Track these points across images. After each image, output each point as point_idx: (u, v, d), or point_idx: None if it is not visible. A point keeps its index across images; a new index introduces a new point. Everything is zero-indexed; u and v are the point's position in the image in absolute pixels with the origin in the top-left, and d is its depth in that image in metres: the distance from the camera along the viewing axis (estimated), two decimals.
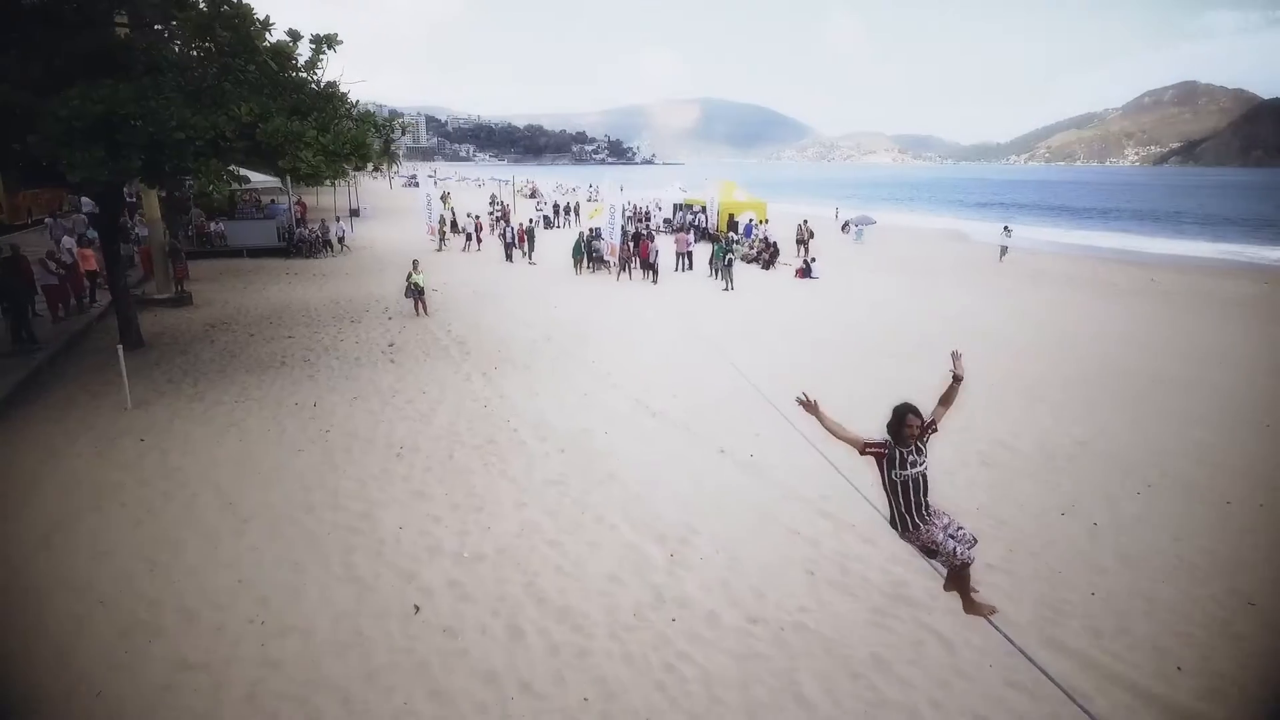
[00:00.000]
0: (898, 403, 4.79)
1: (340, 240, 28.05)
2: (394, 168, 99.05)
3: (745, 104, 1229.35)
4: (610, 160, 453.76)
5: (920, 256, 32.65)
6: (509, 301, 19.74)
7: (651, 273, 23.04)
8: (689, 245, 25.80)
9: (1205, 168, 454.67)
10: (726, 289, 22.14)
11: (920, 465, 4.67)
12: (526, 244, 26.44)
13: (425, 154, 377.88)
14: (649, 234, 25.71)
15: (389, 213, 49.24)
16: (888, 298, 21.74)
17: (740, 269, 24.43)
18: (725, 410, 11.13)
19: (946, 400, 4.88)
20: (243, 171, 18.53)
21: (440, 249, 29.72)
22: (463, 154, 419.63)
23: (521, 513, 7.94)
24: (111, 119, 9.51)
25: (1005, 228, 30.69)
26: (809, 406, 4.76)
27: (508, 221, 39.19)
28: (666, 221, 38.94)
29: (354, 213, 45.88)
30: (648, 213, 38.49)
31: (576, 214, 42.32)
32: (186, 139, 9.89)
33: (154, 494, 8.07)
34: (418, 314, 17.72)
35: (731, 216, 34.59)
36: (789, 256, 28.66)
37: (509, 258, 26.37)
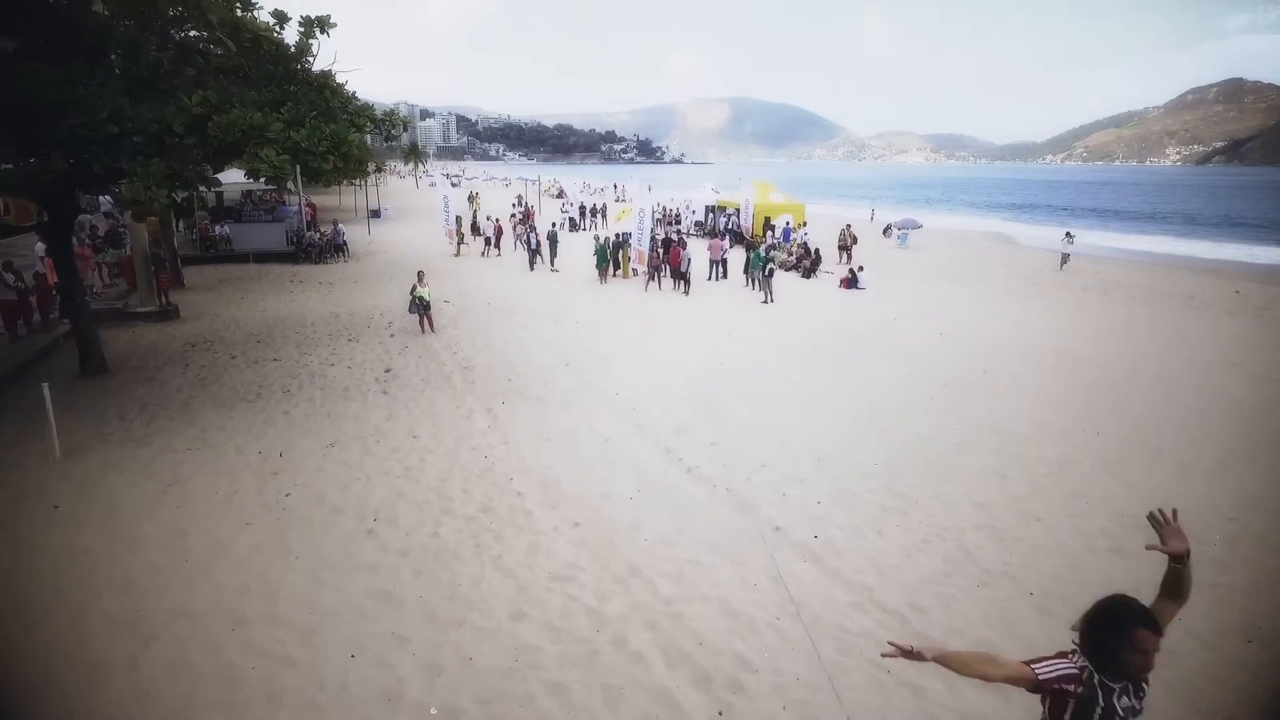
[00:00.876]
0: (1107, 597, 2.77)
1: (342, 247, 26.45)
2: (421, 167, 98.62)
3: (775, 103, 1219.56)
4: (639, 160, 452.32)
5: (971, 263, 30.08)
6: (525, 316, 17.84)
7: (683, 283, 21.00)
8: (724, 252, 23.68)
9: (1252, 167, 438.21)
10: (766, 301, 20.00)
11: (1139, 714, 2.64)
12: (548, 250, 24.53)
13: (455, 153, 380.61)
14: (680, 239, 23.66)
15: (411, 214, 47.90)
16: (946, 312, 19.39)
17: (780, 277, 22.26)
18: (775, 466, 9.05)
19: (1174, 591, 2.85)
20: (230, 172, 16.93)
21: (458, 253, 28.01)
22: (493, 153, 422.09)
23: (517, 630, 5.95)
24: (28, 109, 7.76)
25: (1067, 233, 28.02)
26: (911, 654, 2.74)
27: (531, 225, 37.56)
28: (698, 224, 36.85)
29: (374, 213, 44.62)
30: (678, 215, 36.45)
31: (604, 216, 40.44)
32: (121, 134, 8.10)
33: (44, 592, 6.25)
34: (423, 331, 15.93)
35: (768, 220, 32.36)
36: (830, 263, 26.40)
37: (531, 266, 24.52)
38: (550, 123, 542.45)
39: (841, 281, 22.92)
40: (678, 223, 35.88)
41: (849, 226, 29.61)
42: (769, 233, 30.93)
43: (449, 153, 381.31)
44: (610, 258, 22.57)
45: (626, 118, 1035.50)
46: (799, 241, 29.62)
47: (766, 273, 19.87)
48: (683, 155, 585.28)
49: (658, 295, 21.06)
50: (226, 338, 15.14)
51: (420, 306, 15.75)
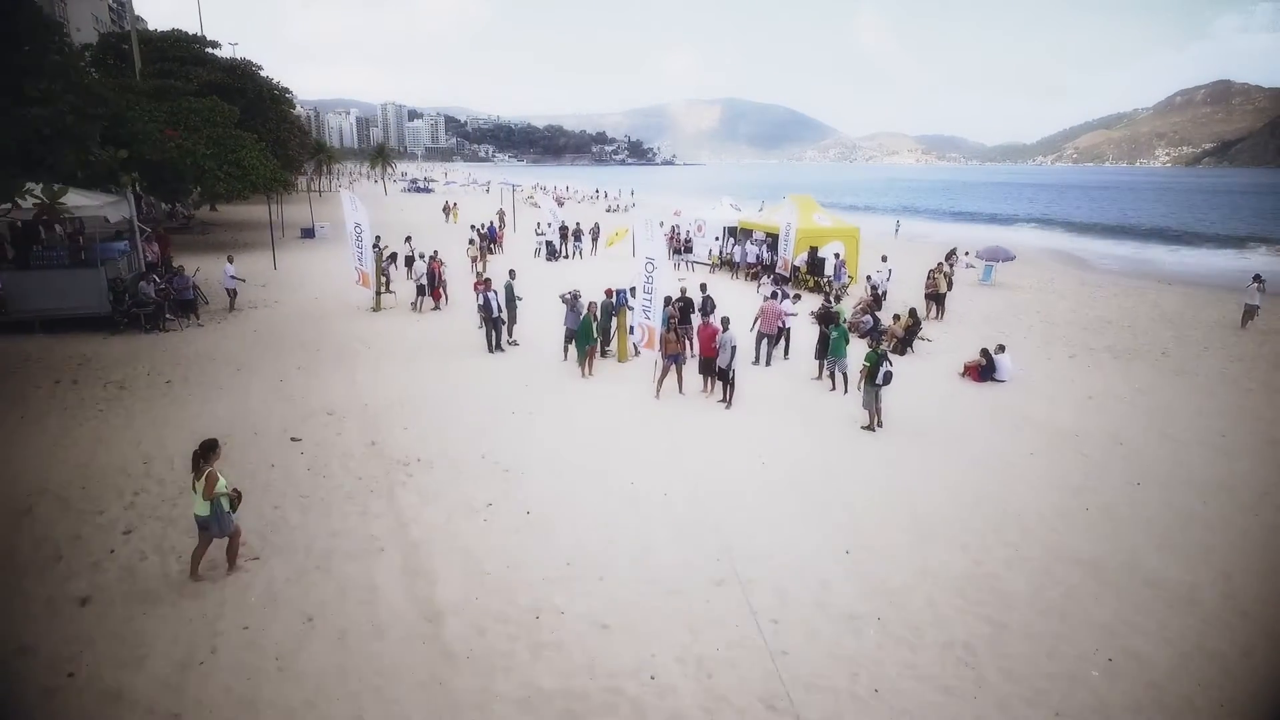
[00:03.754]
0: None
1: (190, 303, 17.74)
2: (391, 170, 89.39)
3: (767, 104, 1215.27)
4: (630, 161, 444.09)
5: (1102, 312, 21.77)
6: (419, 500, 9.23)
7: (722, 386, 12.51)
8: (782, 320, 15.12)
9: (1241, 169, 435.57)
10: (871, 426, 11.54)
11: None
12: (504, 312, 15.87)
13: (444, 154, 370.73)
14: (709, 306, 15.17)
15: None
16: (1186, 432, 11.06)
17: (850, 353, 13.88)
18: None
19: None
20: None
21: (377, 307, 19.38)
22: (482, 154, 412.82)
23: None
24: None
25: (1256, 277, 19.75)
26: None
27: (489, 250, 28.84)
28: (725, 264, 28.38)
29: (307, 233, 35.94)
30: (688, 239, 28.00)
31: (594, 239, 31.84)
32: None
33: None
34: (196, 575, 7.22)
35: (814, 250, 23.98)
36: (912, 319, 18.03)
37: (490, 343, 15.69)
38: (540, 124, 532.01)
39: (968, 369, 14.53)
40: (688, 249, 27.48)
41: (946, 261, 21.27)
42: (832, 277, 22.60)
43: (438, 154, 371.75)
44: (598, 333, 14.09)
45: (618, 119, 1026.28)
46: (868, 286, 21.31)
47: (881, 379, 11.18)
48: (674, 156, 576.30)
49: (677, 405, 12.63)
50: None
51: (217, 520, 7.01)
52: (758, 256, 24.94)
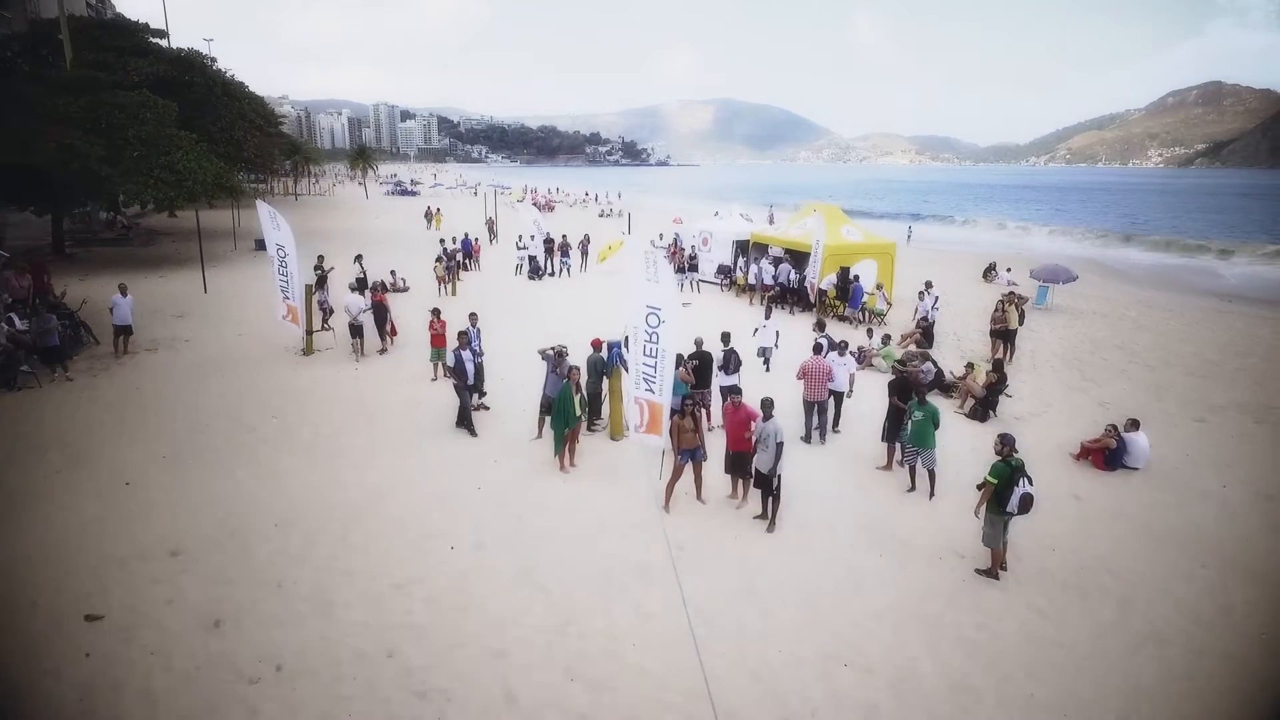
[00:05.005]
0: None
1: (119, 336, 13.87)
2: (372, 171, 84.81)
3: (762, 105, 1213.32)
4: (624, 162, 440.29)
5: (1198, 348, 18.00)
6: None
7: (762, 497, 8.61)
8: (838, 382, 11.17)
9: (1233, 169, 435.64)
10: (994, 572, 7.65)
11: None
12: (472, 372, 11.73)
13: (437, 155, 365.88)
14: (732, 362, 11.30)
15: (331, 240, 35.17)
16: None
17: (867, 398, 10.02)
18: None
19: None
20: None
21: (309, 350, 15.42)
22: (475, 155, 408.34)
23: None
24: None
25: None
26: None
27: (464, 267, 24.81)
28: (724, 271, 24.56)
29: (262, 244, 31.87)
30: (694, 256, 24.12)
31: (583, 255, 27.93)
32: None
33: None
34: None
35: (845, 271, 20.19)
36: (956, 359, 14.16)
37: (462, 421, 11.34)
38: (534, 124, 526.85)
39: (1089, 452, 10.67)
40: (693, 267, 23.63)
41: (1012, 293, 17.45)
42: (851, 303, 18.89)
43: (430, 155, 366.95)
44: (582, 409, 10.13)
45: (612, 119, 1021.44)
46: (918, 316, 17.57)
47: (1016, 504, 7.22)
48: (669, 157, 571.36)
49: (693, 521, 8.79)
50: None
51: None
52: (789, 277, 20.98)
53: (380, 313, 15.34)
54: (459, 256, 25.55)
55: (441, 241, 24.50)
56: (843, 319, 19.70)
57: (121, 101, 25.20)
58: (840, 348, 11.86)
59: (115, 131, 24.35)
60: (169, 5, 42.73)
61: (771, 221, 32.09)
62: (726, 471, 9.07)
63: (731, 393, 11.18)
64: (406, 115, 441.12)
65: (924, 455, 9.28)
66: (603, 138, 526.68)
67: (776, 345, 14.73)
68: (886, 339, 15.37)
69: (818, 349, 11.12)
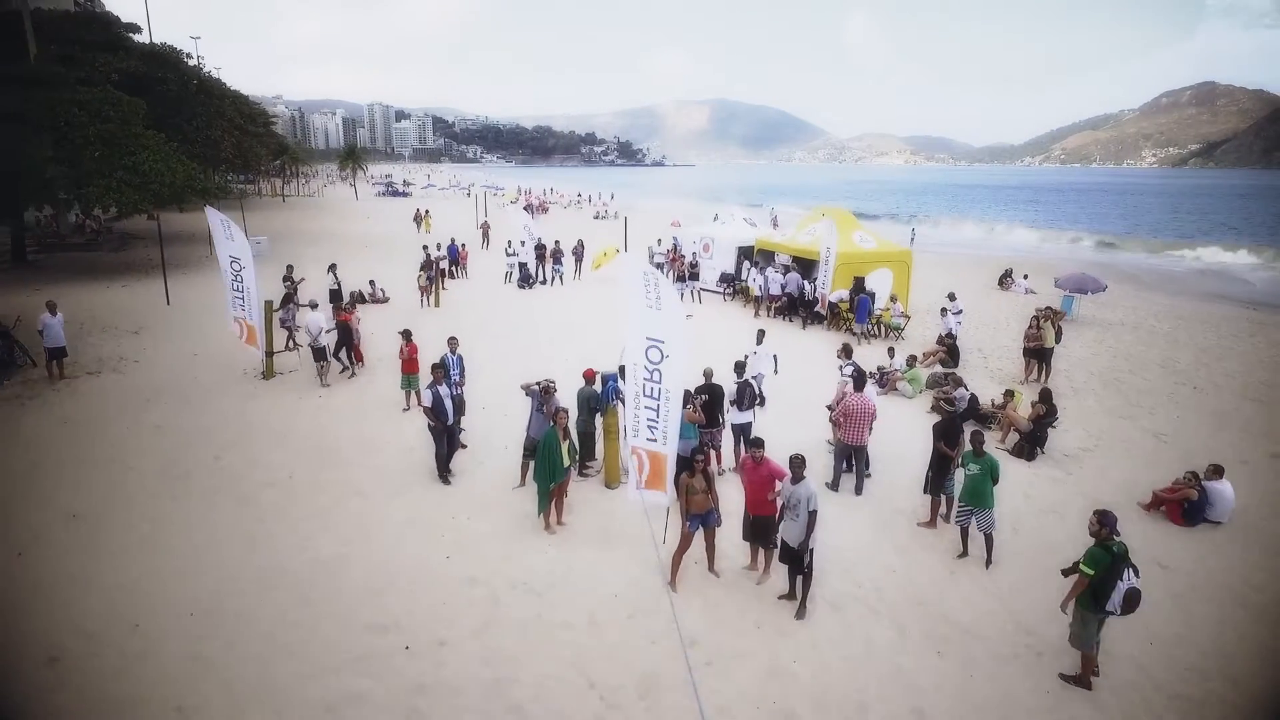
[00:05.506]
0: None
1: (52, 359, 12.23)
2: (363, 172, 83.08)
3: (757, 105, 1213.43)
4: (620, 162, 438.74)
5: (1258, 373, 16.53)
6: None
7: (790, 575, 7.07)
8: (865, 410, 9.52)
9: (1227, 169, 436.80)
10: (1085, 679, 6.10)
11: None
12: (450, 408, 10.01)
13: (432, 155, 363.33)
14: (747, 397, 9.74)
15: (318, 242, 33.60)
16: None
17: (914, 449, 8.47)
18: None
19: None
20: None
21: (269, 373, 13.80)
22: (470, 155, 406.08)
23: None
24: None
25: None
26: None
27: (451, 274, 23.11)
28: (726, 280, 23.03)
29: None
30: (695, 263, 22.59)
31: (577, 261, 26.35)
32: None
33: None
34: None
35: (860, 282, 18.68)
36: (992, 384, 12.65)
37: (440, 471, 9.61)
38: (529, 124, 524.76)
39: (1161, 502, 9.17)
40: (694, 275, 22.10)
41: (1049, 308, 15.93)
42: (857, 316, 17.42)
43: (425, 155, 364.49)
44: (571, 456, 8.53)
45: (608, 119, 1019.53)
46: (946, 331, 16.11)
47: (1118, 603, 5.67)
48: (664, 158, 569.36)
49: (705, 601, 7.26)
50: None
51: None
52: (798, 287, 19.49)
53: (345, 334, 13.69)
54: (444, 264, 23.97)
55: (425, 249, 22.87)
56: (852, 332, 18.20)
57: (82, 98, 23.57)
58: (877, 378, 10.36)
59: (75, 130, 22.73)
60: (167, 6, 41.04)
61: (775, 225, 30.61)
62: (745, 538, 7.54)
63: (744, 433, 9.72)
64: (401, 115, 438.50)
65: (980, 516, 7.77)
66: (598, 138, 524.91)
67: (776, 371, 13.20)
68: (913, 360, 13.87)
69: (859, 382, 9.52)
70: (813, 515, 6.62)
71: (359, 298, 20.66)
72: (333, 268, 18.50)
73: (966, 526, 7.95)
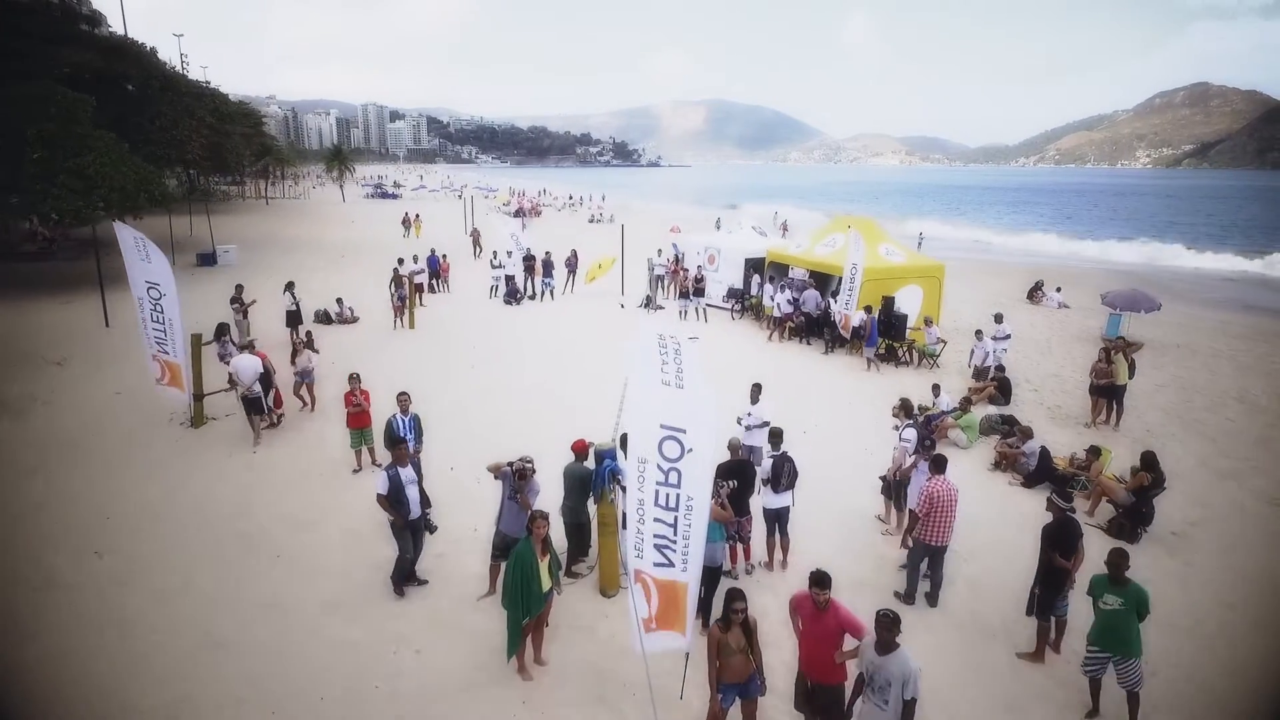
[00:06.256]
0: None
1: None
2: (349, 174, 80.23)
3: (753, 105, 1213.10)
4: (615, 163, 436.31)
5: None
6: None
7: None
8: (952, 499, 7.07)
9: (1220, 170, 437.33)
10: None
11: None
12: (416, 500, 7.58)
13: (426, 156, 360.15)
14: (785, 475, 7.53)
15: (297, 249, 31.31)
16: None
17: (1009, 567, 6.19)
18: None
19: None
20: None
21: (197, 421, 11.51)
22: (465, 156, 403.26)
23: None
24: None
25: None
26: None
27: (430, 289, 20.51)
28: (735, 295, 20.85)
29: (205, 259, 28.01)
30: (700, 275, 20.36)
31: (570, 273, 24.11)
32: None
33: None
34: None
35: (889, 302, 16.52)
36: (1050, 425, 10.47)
37: (396, 585, 7.24)
38: (525, 125, 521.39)
39: None
40: (700, 293, 19.90)
41: (1121, 338, 13.68)
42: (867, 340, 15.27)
43: (420, 155, 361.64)
44: (553, 577, 6.24)
45: (604, 120, 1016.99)
46: (985, 354, 13.97)
47: None
48: (660, 158, 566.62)
49: None
50: None
51: None
52: (816, 307, 17.32)
53: (263, 378, 11.16)
54: (421, 279, 21.68)
55: (400, 261, 20.59)
56: (891, 361, 16.05)
57: (19, 95, 21.29)
58: (927, 444, 8.17)
59: (10, 130, 20.47)
60: (163, 6, 38.73)
61: (785, 232, 28.37)
62: (798, 708, 5.33)
63: (780, 520, 7.54)
64: (396, 115, 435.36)
65: (1123, 669, 5.57)
66: (594, 138, 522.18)
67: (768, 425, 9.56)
68: (967, 402, 11.65)
69: (939, 464, 7.26)
70: (910, 706, 4.42)
71: (323, 317, 18.49)
72: (289, 286, 16.19)
73: (1099, 677, 5.76)
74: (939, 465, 7.22)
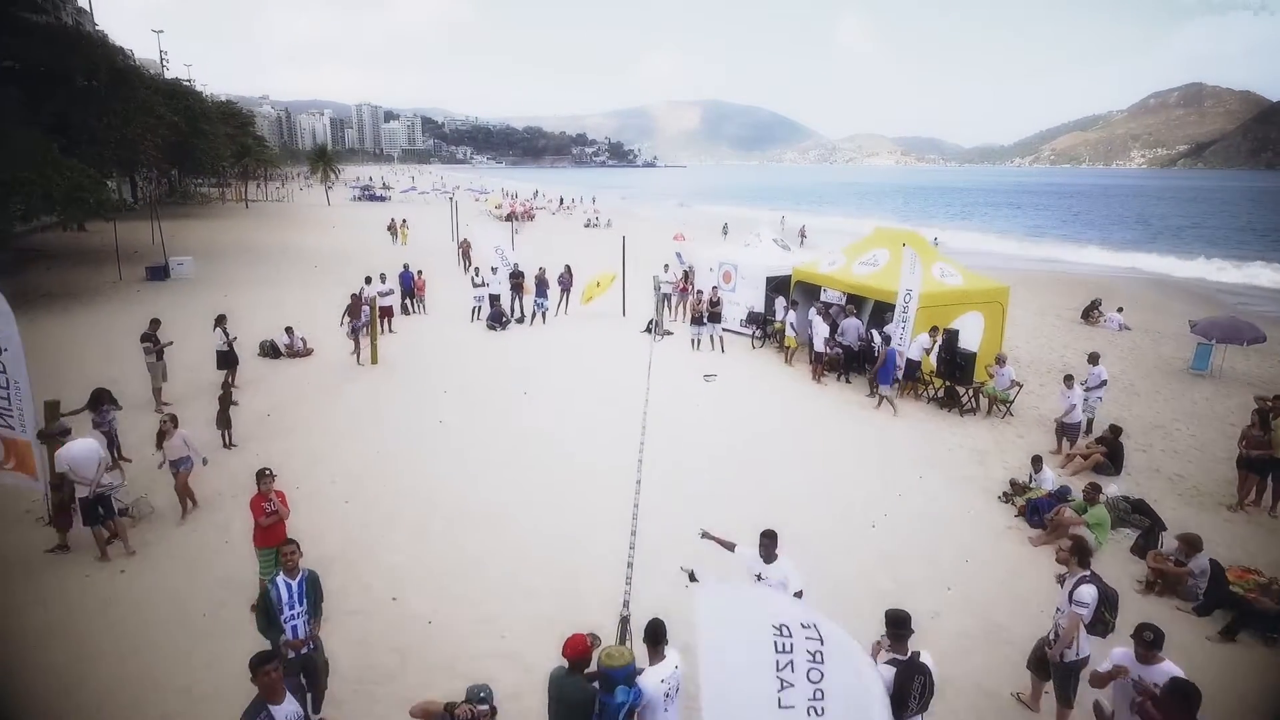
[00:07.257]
0: None
1: None
2: (334, 177, 77.04)
3: (748, 106, 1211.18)
4: (611, 163, 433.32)
5: None
6: None
7: None
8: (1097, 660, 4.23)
9: (1215, 170, 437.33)
10: None
11: None
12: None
13: (421, 156, 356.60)
14: (918, 710, 4.61)
15: (268, 259, 28.31)
16: None
17: None
18: None
19: None
20: None
21: (63, 546, 8.48)
22: (460, 156, 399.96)
23: None
24: None
25: None
26: None
27: (404, 310, 17.49)
28: (756, 319, 17.95)
29: (155, 273, 24.98)
30: (716, 297, 17.41)
31: (564, 291, 21.14)
32: None
33: None
34: None
35: (950, 336, 13.62)
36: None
37: None
38: (520, 125, 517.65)
39: None
40: (715, 318, 16.99)
41: (1277, 397, 10.78)
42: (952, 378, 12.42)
43: (414, 156, 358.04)
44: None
45: (600, 120, 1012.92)
46: (1069, 406, 11.10)
47: None
48: (655, 159, 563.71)
49: None
50: None
51: None
52: (858, 337, 14.45)
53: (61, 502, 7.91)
54: (391, 300, 18.65)
55: (368, 280, 17.59)
56: (949, 405, 13.19)
57: None
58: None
59: None
60: (158, 6, 35.69)
61: (803, 240, 25.41)
62: None
63: None
64: (390, 116, 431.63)
65: None
66: (589, 139, 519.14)
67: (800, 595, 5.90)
68: (1095, 489, 8.64)
69: (1150, 642, 4.34)
70: None
71: (269, 350, 15.53)
72: (220, 321, 13.15)
73: None
74: (1150, 644, 4.30)
